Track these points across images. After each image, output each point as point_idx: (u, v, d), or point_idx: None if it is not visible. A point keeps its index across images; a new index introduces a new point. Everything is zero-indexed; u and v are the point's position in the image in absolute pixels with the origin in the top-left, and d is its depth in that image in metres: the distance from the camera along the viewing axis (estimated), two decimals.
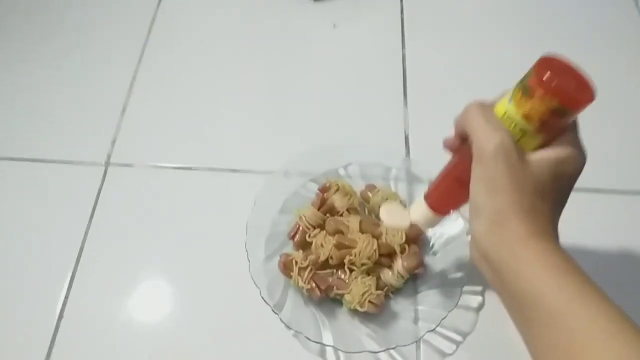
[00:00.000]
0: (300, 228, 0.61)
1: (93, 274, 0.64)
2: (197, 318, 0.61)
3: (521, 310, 0.39)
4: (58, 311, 0.62)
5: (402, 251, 0.59)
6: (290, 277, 0.58)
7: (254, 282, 0.58)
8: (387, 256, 0.59)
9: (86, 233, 0.67)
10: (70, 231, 0.67)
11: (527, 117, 0.39)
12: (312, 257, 0.59)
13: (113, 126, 0.75)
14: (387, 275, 0.59)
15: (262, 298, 0.57)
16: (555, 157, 0.40)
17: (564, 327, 0.35)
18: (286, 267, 0.59)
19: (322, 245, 0.59)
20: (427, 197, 0.51)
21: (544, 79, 0.38)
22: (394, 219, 0.54)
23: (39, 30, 0.86)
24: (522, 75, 0.42)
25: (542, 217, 0.40)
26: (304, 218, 0.61)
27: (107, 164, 0.72)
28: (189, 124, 0.76)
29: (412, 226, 0.59)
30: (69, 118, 0.77)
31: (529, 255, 0.39)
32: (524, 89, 0.39)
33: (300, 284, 0.57)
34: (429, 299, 0.60)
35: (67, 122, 0.76)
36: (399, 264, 0.58)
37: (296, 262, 0.58)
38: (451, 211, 0.51)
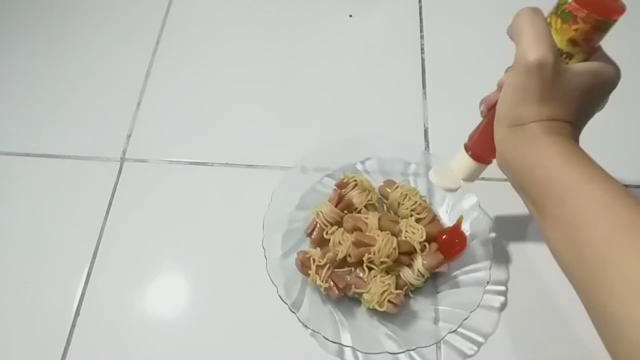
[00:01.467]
0: (318, 225, 0.60)
1: (109, 270, 0.64)
2: (213, 315, 0.61)
3: (537, 200, 0.42)
4: (75, 307, 0.61)
5: (422, 249, 0.58)
6: (308, 275, 0.57)
7: (271, 280, 0.57)
8: (407, 254, 0.57)
9: (102, 229, 0.66)
10: (86, 227, 0.67)
11: (572, 40, 0.42)
12: (329, 254, 0.58)
13: (128, 122, 0.75)
14: (407, 274, 0.57)
15: (279, 296, 0.56)
16: (596, 68, 0.43)
17: (570, 204, 0.39)
18: (304, 265, 0.57)
19: (340, 243, 0.58)
20: (470, 149, 0.52)
21: (584, 0, 0.41)
22: (445, 181, 0.54)
23: (54, 25, 0.85)
24: None
25: (563, 124, 0.43)
26: (321, 215, 0.60)
27: (123, 159, 0.72)
28: (204, 119, 0.75)
29: (434, 223, 0.58)
30: (84, 114, 0.76)
31: (543, 147, 0.42)
32: (563, 16, 0.42)
33: (318, 282, 0.56)
34: (449, 299, 0.58)
35: (82, 117, 0.76)
36: (419, 262, 0.57)
37: (314, 260, 0.57)
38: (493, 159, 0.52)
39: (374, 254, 0.56)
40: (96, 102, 0.77)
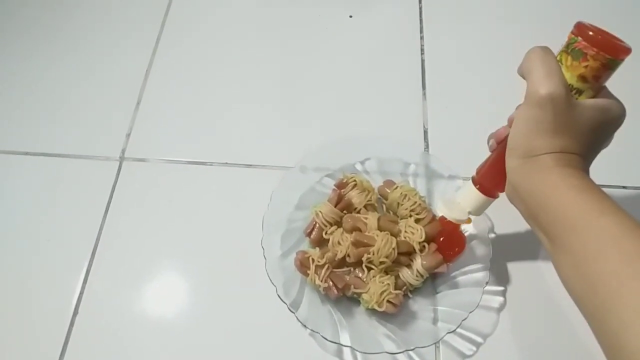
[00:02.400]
0: (317, 225, 0.60)
1: (108, 269, 0.64)
2: (212, 314, 0.61)
3: (548, 231, 0.43)
4: (73, 306, 0.61)
5: (422, 250, 0.58)
6: (307, 275, 0.57)
7: (270, 280, 0.57)
8: (406, 255, 0.57)
9: (101, 228, 0.66)
10: (85, 225, 0.67)
11: (582, 77, 0.44)
12: (329, 254, 0.57)
13: (127, 121, 0.74)
14: (406, 274, 0.57)
15: (279, 296, 0.56)
16: (605, 104, 0.44)
17: (581, 236, 0.40)
18: (303, 265, 0.57)
19: (339, 243, 0.58)
20: (478, 182, 0.54)
21: (594, 39, 0.43)
22: (453, 212, 0.55)
23: (53, 24, 0.85)
24: None
25: (574, 156, 0.44)
26: (320, 214, 0.60)
27: (122, 158, 0.72)
28: (204, 118, 0.75)
29: (433, 224, 0.58)
30: (83, 113, 0.76)
31: (555, 178, 0.43)
32: (574, 54, 0.44)
33: (317, 282, 0.56)
34: (448, 299, 0.58)
35: (82, 116, 0.76)
36: (418, 262, 0.57)
37: (313, 260, 0.57)
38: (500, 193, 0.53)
39: (373, 254, 0.56)
40: (96, 102, 0.77)
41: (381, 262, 0.56)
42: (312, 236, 0.60)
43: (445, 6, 0.84)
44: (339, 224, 0.60)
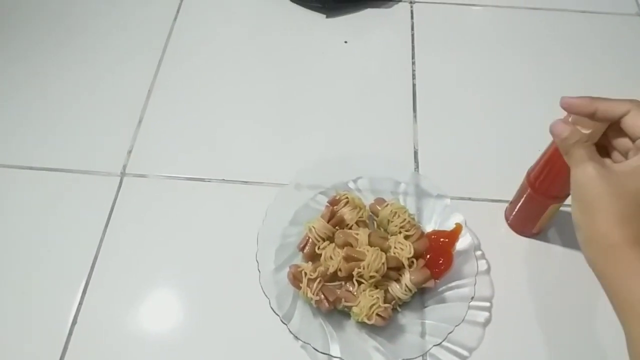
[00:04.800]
0: (310, 240, 0.62)
1: (106, 283, 0.65)
2: (207, 327, 0.62)
3: (619, 310, 0.42)
4: (72, 317, 0.62)
5: (410, 265, 0.59)
6: (300, 288, 0.59)
7: (264, 292, 0.58)
8: (395, 269, 0.59)
9: (101, 242, 0.67)
10: (85, 240, 0.68)
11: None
12: (321, 268, 0.59)
13: (129, 137, 0.76)
14: (395, 289, 0.59)
15: (272, 308, 0.58)
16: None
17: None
18: (295, 278, 0.59)
19: (331, 258, 0.60)
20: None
21: None
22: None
23: (56, 40, 0.88)
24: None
25: (635, 223, 0.42)
26: (313, 230, 0.61)
27: (123, 174, 0.73)
28: (203, 137, 0.77)
29: (422, 240, 0.60)
30: (85, 128, 0.78)
31: (622, 263, 0.41)
32: None
33: (309, 295, 0.58)
34: (436, 313, 0.60)
35: (83, 132, 0.77)
36: (407, 277, 0.58)
37: (305, 274, 0.59)
38: None
39: (364, 268, 0.58)
40: (98, 118, 0.79)
41: (371, 277, 0.58)
42: (305, 251, 0.62)
43: (437, 31, 0.88)
44: (331, 239, 0.62)
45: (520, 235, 0.67)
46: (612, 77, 0.82)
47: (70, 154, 0.75)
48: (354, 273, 0.58)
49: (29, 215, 0.70)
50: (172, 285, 0.65)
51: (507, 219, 0.68)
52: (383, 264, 0.57)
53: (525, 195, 0.61)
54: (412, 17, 0.89)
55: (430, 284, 0.59)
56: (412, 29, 0.88)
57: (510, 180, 0.66)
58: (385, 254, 0.59)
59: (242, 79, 0.83)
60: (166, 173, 0.73)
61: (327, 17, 0.90)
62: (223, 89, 0.82)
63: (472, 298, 0.58)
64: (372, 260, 0.57)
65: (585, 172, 0.44)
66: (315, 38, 0.88)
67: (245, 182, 0.72)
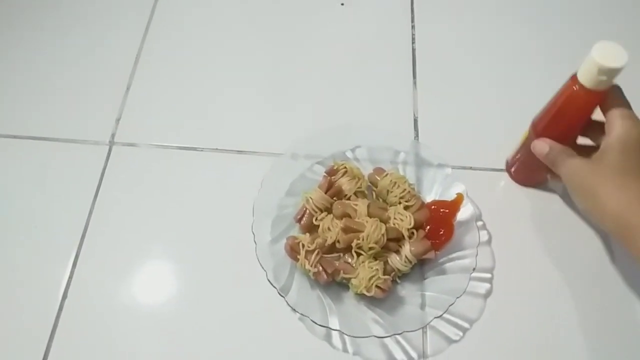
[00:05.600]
0: (307, 211, 0.60)
1: (97, 254, 0.63)
2: (202, 299, 0.61)
3: None
4: (62, 291, 0.60)
5: (410, 236, 0.58)
6: (297, 260, 0.57)
7: (261, 265, 0.57)
8: (395, 241, 0.58)
9: (90, 213, 0.65)
10: (74, 211, 0.66)
11: None
12: (319, 240, 0.58)
13: (117, 105, 0.74)
14: (395, 260, 0.57)
15: (269, 280, 0.56)
16: (615, 138, 0.51)
17: None
18: (293, 250, 0.57)
19: (329, 229, 0.58)
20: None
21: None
22: (609, 59, 0.48)
23: (42, 6, 0.84)
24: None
25: (632, 183, 0.50)
26: (311, 201, 0.60)
27: (112, 143, 0.71)
28: (194, 104, 0.74)
29: (422, 211, 0.59)
30: (73, 96, 0.75)
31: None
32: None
33: (307, 267, 0.56)
34: (436, 285, 0.59)
35: (71, 100, 0.75)
36: (407, 249, 0.57)
37: (303, 245, 0.57)
38: None
39: (363, 239, 0.56)
40: (86, 85, 0.76)
41: (370, 248, 0.56)
42: (302, 222, 0.60)
43: None
44: (329, 210, 0.60)
45: (523, 186, 0.67)
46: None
47: (56, 122, 0.73)
48: (353, 244, 0.57)
49: (15, 186, 0.68)
50: (165, 257, 0.64)
51: (509, 171, 0.67)
52: (383, 235, 0.56)
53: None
54: None
55: (430, 255, 0.58)
56: None
57: (512, 149, 0.65)
58: (385, 225, 0.57)
59: (234, 44, 0.80)
60: (157, 142, 0.71)
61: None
62: (214, 54, 0.79)
63: (474, 269, 0.57)
64: (372, 231, 0.56)
65: (572, 165, 0.54)
66: (310, 0, 0.84)
67: (240, 152, 0.70)
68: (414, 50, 0.79)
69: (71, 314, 0.60)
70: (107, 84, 0.76)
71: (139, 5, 0.84)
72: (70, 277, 0.62)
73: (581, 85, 0.49)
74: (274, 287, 0.56)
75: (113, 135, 0.71)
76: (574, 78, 0.51)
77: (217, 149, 0.70)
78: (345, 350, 0.58)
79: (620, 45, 0.48)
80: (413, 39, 0.80)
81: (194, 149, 0.70)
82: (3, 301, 0.61)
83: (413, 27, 0.81)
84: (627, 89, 0.53)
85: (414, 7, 0.83)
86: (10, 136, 0.72)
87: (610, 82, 0.49)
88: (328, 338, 0.58)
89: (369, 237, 0.56)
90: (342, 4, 0.84)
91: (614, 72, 0.47)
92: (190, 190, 0.68)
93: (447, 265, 0.60)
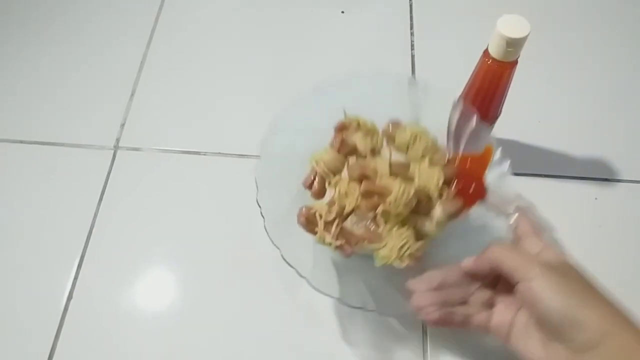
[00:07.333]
0: (318, 174, 0.49)
1: (102, 257, 0.58)
2: (207, 302, 0.56)
3: None
4: (67, 292, 0.56)
5: (440, 195, 0.48)
6: (315, 233, 0.46)
7: (271, 241, 0.48)
8: (423, 202, 0.48)
9: (95, 216, 0.60)
10: (79, 214, 0.61)
11: None
12: (335, 208, 0.46)
13: (122, 110, 0.69)
14: (425, 224, 0.47)
15: (284, 260, 0.47)
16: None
17: None
18: (309, 222, 0.46)
19: (346, 194, 0.47)
20: None
21: None
22: (513, 30, 0.47)
23: (48, 12, 0.81)
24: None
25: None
26: (321, 163, 0.49)
27: (116, 147, 0.65)
28: (197, 109, 0.69)
29: (449, 166, 0.50)
30: (78, 101, 0.71)
31: None
32: None
33: (328, 240, 0.45)
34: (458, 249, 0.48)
35: (76, 105, 0.70)
36: (439, 210, 0.47)
37: (321, 216, 0.46)
38: None
39: (390, 204, 0.45)
40: (91, 91, 0.71)
41: (398, 214, 0.45)
42: (313, 188, 0.49)
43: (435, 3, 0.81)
44: (340, 173, 0.50)
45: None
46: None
47: (62, 128, 0.68)
48: (378, 211, 0.45)
49: (22, 190, 0.63)
50: (169, 259, 0.58)
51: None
52: (412, 197, 0.45)
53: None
54: None
55: (463, 215, 0.47)
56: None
57: None
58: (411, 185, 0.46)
59: (237, 50, 0.76)
60: (160, 146, 0.65)
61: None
62: (217, 60, 0.74)
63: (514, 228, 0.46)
64: (400, 194, 0.45)
65: None
66: (310, 8, 0.81)
67: (242, 156, 0.64)
68: (413, 57, 0.74)
69: (76, 314, 0.55)
70: (112, 90, 0.71)
71: (144, 13, 0.80)
72: (76, 278, 0.56)
73: (492, 58, 0.49)
74: (291, 267, 0.46)
75: (118, 140, 0.66)
76: (486, 52, 0.49)
77: (220, 152, 0.65)
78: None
79: (522, 17, 0.48)
80: (412, 45, 0.75)
81: (197, 153, 0.65)
82: (9, 301, 0.57)
83: (412, 34, 0.76)
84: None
85: (413, 14, 0.79)
86: (17, 141, 0.67)
87: (518, 52, 0.49)
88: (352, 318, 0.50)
89: (396, 201, 0.45)
90: (343, 12, 0.81)
91: (519, 41, 0.47)
92: (194, 193, 0.62)
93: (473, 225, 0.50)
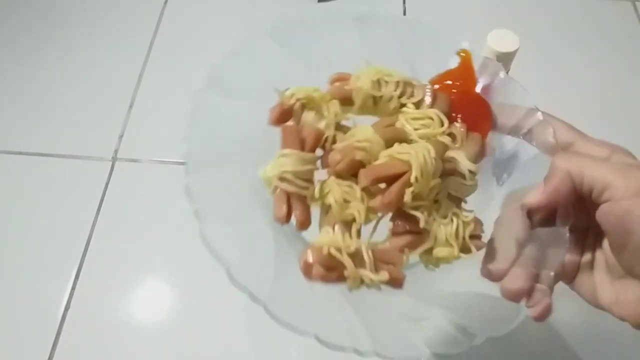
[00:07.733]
0: (291, 195, 0.32)
1: (99, 268, 0.57)
2: (205, 313, 0.56)
3: None
4: (64, 303, 0.55)
5: (454, 140, 0.35)
6: (345, 278, 0.29)
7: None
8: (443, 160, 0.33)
9: (93, 227, 0.59)
10: (77, 225, 0.60)
11: None
12: (338, 227, 0.30)
13: (120, 122, 0.67)
14: (458, 186, 0.34)
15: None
16: None
17: None
18: (329, 269, 0.29)
19: (346, 201, 0.31)
20: None
21: None
22: (503, 45, 0.47)
23: (47, 25, 0.80)
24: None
25: None
26: (288, 176, 0.31)
27: (115, 159, 0.63)
28: None
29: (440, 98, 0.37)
30: (77, 113, 0.69)
31: None
32: None
33: (373, 278, 0.29)
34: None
35: (75, 117, 0.69)
36: (463, 158, 0.33)
37: (340, 250, 0.29)
38: None
39: (417, 180, 0.30)
40: (89, 103, 0.70)
41: (432, 188, 0.31)
42: (298, 216, 0.31)
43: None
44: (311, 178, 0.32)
45: None
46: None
47: (61, 139, 0.67)
48: (407, 198, 0.30)
49: (20, 201, 0.62)
50: (166, 270, 0.57)
51: None
52: (435, 158, 0.30)
53: None
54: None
55: (487, 151, 0.35)
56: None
57: None
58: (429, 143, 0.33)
59: None
60: (159, 157, 0.64)
61: (318, 1, 0.83)
62: None
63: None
64: (424, 162, 0.30)
65: None
66: (307, 20, 0.84)
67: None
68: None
69: (74, 324, 0.54)
70: (110, 102, 0.70)
71: (143, 25, 0.79)
72: (73, 289, 0.56)
73: None
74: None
75: (116, 152, 0.64)
76: None
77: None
78: None
79: (512, 32, 0.48)
80: None
81: None
82: (7, 311, 0.56)
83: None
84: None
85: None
86: (16, 152, 0.66)
87: (508, 66, 0.48)
88: None
89: (424, 174, 0.30)
90: None
91: (509, 56, 0.47)
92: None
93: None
